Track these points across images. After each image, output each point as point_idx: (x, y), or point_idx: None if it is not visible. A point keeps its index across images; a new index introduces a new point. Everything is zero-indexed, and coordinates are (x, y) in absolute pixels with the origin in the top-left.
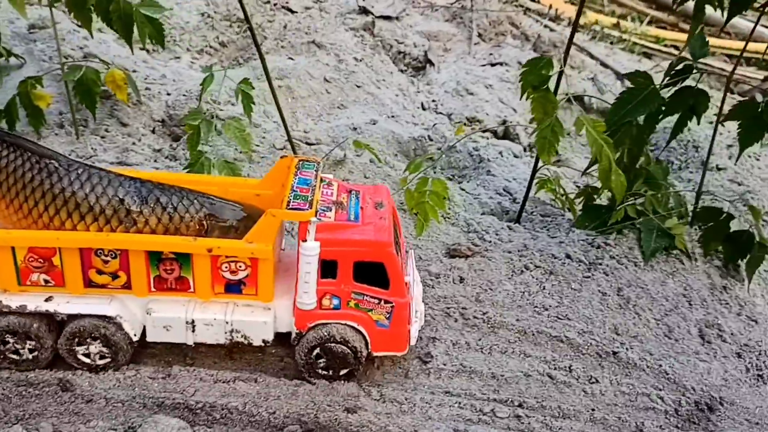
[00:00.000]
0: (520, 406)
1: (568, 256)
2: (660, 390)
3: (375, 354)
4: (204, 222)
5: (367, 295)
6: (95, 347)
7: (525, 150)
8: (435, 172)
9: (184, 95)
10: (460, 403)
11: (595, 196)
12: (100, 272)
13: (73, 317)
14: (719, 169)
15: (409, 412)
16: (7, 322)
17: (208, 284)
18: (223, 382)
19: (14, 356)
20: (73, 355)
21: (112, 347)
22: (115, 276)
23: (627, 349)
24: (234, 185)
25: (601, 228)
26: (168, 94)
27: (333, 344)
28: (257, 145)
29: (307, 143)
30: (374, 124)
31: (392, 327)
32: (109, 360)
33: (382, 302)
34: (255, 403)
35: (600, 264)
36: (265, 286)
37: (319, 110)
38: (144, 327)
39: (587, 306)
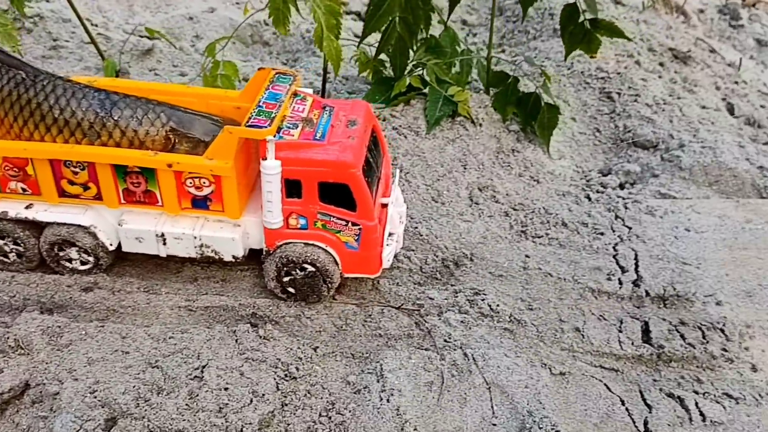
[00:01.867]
0: None
1: None
2: (411, 251)
3: (346, 275)
4: (170, 136)
5: (333, 216)
6: (75, 253)
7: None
8: (270, 58)
9: None
10: None
11: (382, 69)
12: (71, 182)
13: (51, 224)
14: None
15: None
16: None
17: (175, 199)
18: None
19: (3, 258)
20: (56, 260)
21: (91, 254)
22: (86, 187)
23: None
24: (214, 97)
25: (393, 101)
26: None
27: (300, 264)
28: (66, 41)
29: (125, 33)
30: (212, 12)
31: (362, 249)
32: (90, 265)
33: (350, 224)
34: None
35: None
36: (231, 203)
37: (158, 2)
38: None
39: None
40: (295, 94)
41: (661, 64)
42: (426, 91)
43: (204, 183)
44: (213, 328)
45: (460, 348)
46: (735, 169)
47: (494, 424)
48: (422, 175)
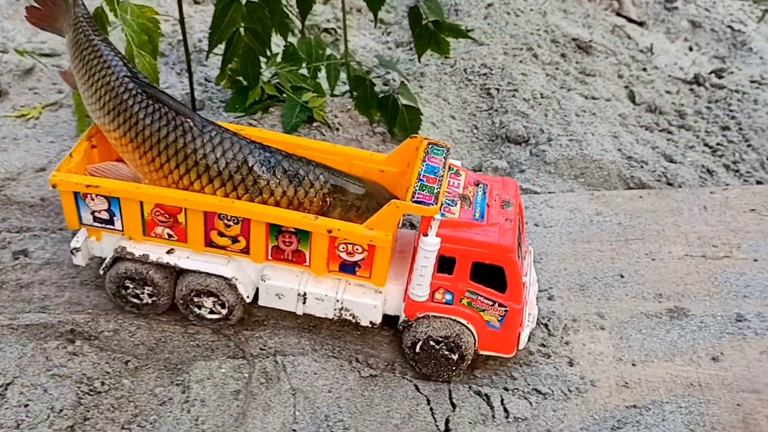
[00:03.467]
0: None
1: None
2: None
3: (481, 352)
4: (327, 198)
5: (481, 296)
6: (209, 302)
7: None
8: (166, 68)
9: None
10: None
11: (240, 79)
12: (221, 234)
13: (191, 272)
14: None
15: None
16: (130, 268)
17: (324, 261)
18: None
19: (135, 300)
20: (189, 307)
21: (225, 305)
22: (235, 240)
23: None
24: (359, 158)
25: (249, 109)
26: None
27: (438, 342)
28: None
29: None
30: None
31: (503, 329)
32: (221, 315)
33: (497, 305)
34: None
35: None
36: (380, 272)
37: None
38: (257, 289)
39: None
40: (449, 168)
41: (562, 55)
42: (283, 98)
43: (357, 249)
44: (26, 346)
45: (273, 356)
46: (600, 160)
47: (294, 430)
48: None
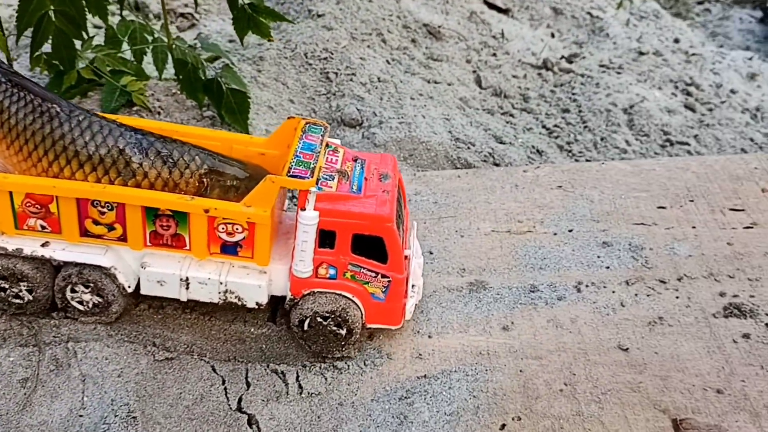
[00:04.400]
0: None
1: None
2: None
3: (368, 326)
4: (204, 179)
5: (364, 268)
6: (88, 295)
7: None
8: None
9: None
10: None
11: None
12: (96, 223)
13: (68, 264)
14: None
15: None
16: (4, 264)
17: (204, 244)
18: None
19: (16, 300)
20: (66, 301)
21: (105, 296)
22: (111, 228)
23: None
24: (239, 142)
25: (66, 94)
26: None
27: (324, 318)
28: None
29: None
30: None
31: (388, 301)
32: (101, 308)
33: (380, 276)
34: None
35: None
36: (262, 251)
37: None
38: (138, 279)
39: None
40: (327, 145)
41: (413, 41)
42: (102, 81)
43: (237, 229)
44: None
45: (66, 342)
46: (428, 142)
47: (81, 416)
48: None
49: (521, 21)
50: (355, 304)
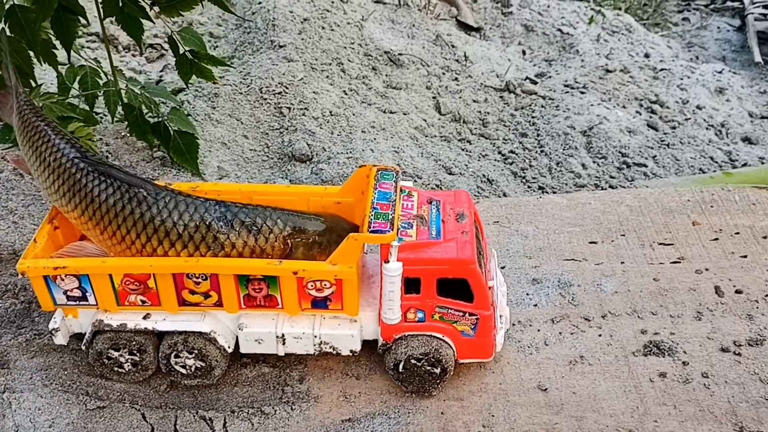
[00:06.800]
0: None
1: None
2: None
3: (461, 361)
4: (288, 240)
5: (451, 309)
6: (191, 360)
7: None
8: None
9: None
10: None
11: None
12: (192, 292)
13: (170, 333)
14: None
15: None
16: (110, 339)
17: (296, 302)
18: None
19: (119, 369)
20: (171, 367)
21: (207, 359)
22: (206, 295)
23: None
24: (315, 194)
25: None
26: None
27: (418, 360)
28: None
29: None
30: None
31: (478, 336)
32: (205, 371)
33: (467, 314)
34: None
35: None
36: (351, 302)
37: None
38: (236, 338)
39: None
40: (401, 190)
41: (373, 68)
42: None
43: (325, 285)
44: None
45: (2, 393)
46: None
47: None
48: (32, 215)
49: (492, 39)
50: (447, 343)
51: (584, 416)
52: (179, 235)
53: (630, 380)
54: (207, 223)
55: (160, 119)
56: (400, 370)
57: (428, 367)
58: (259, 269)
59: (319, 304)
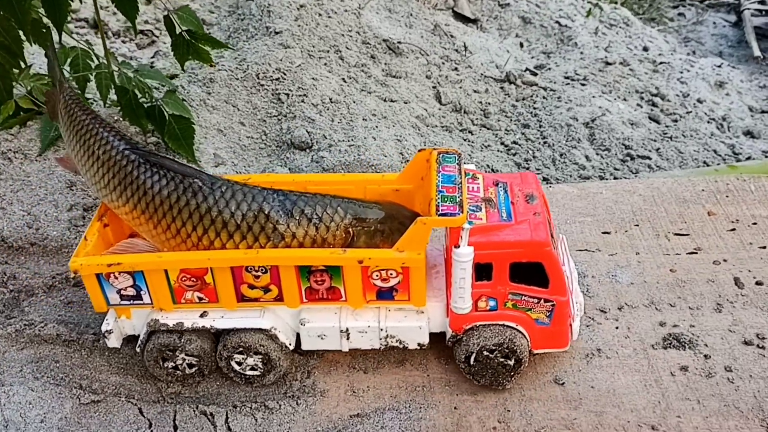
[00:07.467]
0: None
1: None
2: None
3: (536, 351)
4: (350, 229)
5: (525, 295)
6: (252, 359)
7: None
8: None
9: None
10: None
11: None
12: (251, 287)
13: (228, 331)
14: None
15: None
16: (166, 339)
17: (360, 293)
18: None
19: (178, 371)
20: (231, 367)
21: (268, 357)
22: (266, 290)
23: None
24: (372, 182)
25: (4, 124)
26: None
27: (491, 351)
28: None
29: None
30: None
31: (554, 325)
32: (265, 369)
33: (542, 301)
34: None
35: None
36: (419, 292)
37: None
38: (298, 335)
39: None
40: (465, 173)
41: (372, 57)
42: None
43: (391, 274)
44: None
45: None
46: (378, 165)
47: None
48: (21, 200)
49: (489, 31)
50: (521, 332)
51: (604, 411)
52: (237, 226)
53: (650, 374)
54: (266, 212)
55: (154, 104)
56: (472, 362)
57: (502, 359)
58: (323, 259)
59: (385, 295)
